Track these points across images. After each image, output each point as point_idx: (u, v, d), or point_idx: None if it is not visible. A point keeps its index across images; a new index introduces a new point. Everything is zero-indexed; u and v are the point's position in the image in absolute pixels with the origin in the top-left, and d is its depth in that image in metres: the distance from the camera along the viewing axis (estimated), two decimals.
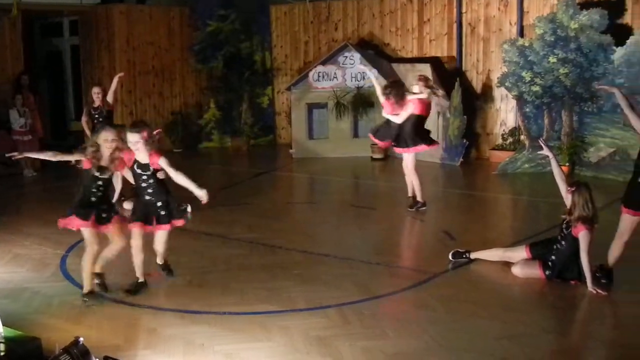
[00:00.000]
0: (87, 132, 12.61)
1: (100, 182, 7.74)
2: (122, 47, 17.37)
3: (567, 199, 7.94)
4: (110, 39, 17.30)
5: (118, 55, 17.28)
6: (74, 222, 7.72)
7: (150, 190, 7.82)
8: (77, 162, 7.88)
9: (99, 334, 6.75)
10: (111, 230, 7.86)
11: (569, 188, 7.95)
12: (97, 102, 12.35)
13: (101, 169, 7.66)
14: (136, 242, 7.86)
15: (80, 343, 5.58)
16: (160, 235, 8.04)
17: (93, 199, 7.74)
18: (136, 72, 17.67)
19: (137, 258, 7.95)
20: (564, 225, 8.05)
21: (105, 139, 7.60)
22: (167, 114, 18.32)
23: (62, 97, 19.93)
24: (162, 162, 7.71)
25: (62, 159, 7.98)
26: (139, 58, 17.75)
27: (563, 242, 8.02)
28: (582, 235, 7.74)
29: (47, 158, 8.02)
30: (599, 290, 7.68)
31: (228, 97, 18.68)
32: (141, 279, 8.02)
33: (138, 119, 8.11)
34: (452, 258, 8.84)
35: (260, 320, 7.09)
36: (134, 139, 7.60)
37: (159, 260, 8.38)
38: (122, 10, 17.40)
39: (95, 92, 12.40)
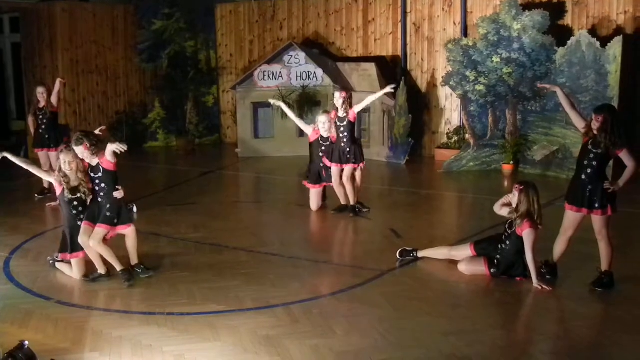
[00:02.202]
0: (32, 131, 12.48)
1: (75, 203, 8.20)
2: (65, 45, 17.10)
3: (515, 196, 8.04)
4: (53, 37, 17.01)
5: (61, 53, 17.00)
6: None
7: (102, 194, 8.17)
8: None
9: (45, 338, 6.66)
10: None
11: (516, 186, 8.06)
12: (43, 102, 12.20)
13: (73, 190, 8.15)
14: (84, 240, 8.08)
15: (26, 347, 5.50)
16: (97, 232, 8.10)
17: (79, 223, 8.21)
18: (79, 71, 17.42)
19: (90, 254, 8.18)
20: (507, 225, 8.16)
21: (64, 162, 8.08)
22: (111, 113, 18.11)
23: (3, 96, 19.58)
24: (107, 154, 8.06)
25: (37, 174, 8.55)
26: (83, 57, 17.49)
27: (507, 242, 8.14)
28: (527, 233, 7.86)
29: (23, 166, 8.38)
30: (544, 286, 7.80)
31: (173, 96, 18.54)
32: (101, 271, 8.29)
33: (78, 132, 8.37)
34: (400, 256, 8.90)
35: (209, 320, 7.06)
36: (79, 152, 8.03)
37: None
38: (65, 7, 17.13)
39: (40, 92, 12.25)
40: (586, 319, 7.19)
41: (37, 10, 17.08)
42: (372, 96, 11.61)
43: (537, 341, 6.67)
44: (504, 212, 8.26)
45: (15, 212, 11.55)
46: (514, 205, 8.02)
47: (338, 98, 11.16)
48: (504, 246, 8.17)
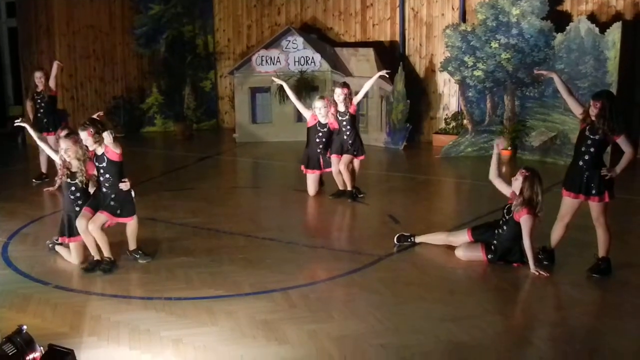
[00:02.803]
0: (30, 116, 12.46)
1: (73, 188, 8.17)
2: (61, 30, 17.01)
3: (517, 180, 8.02)
4: (50, 22, 16.92)
5: (58, 39, 16.92)
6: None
7: (107, 184, 8.16)
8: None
9: (43, 322, 6.68)
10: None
11: (522, 171, 8.04)
12: (40, 87, 12.21)
13: (71, 175, 8.12)
14: (81, 223, 8.05)
15: (24, 331, 5.49)
16: (99, 217, 8.08)
17: (77, 208, 8.17)
18: (77, 56, 17.34)
19: (86, 239, 8.12)
20: (505, 211, 8.17)
21: (62, 149, 8.07)
22: (108, 98, 18.02)
23: (0, 81, 19.49)
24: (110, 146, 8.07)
25: (47, 151, 8.58)
26: (80, 42, 17.39)
27: (505, 227, 8.14)
28: (524, 219, 7.87)
29: (35, 138, 8.62)
30: (541, 272, 7.82)
31: (170, 81, 18.49)
32: (97, 258, 8.20)
33: (88, 118, 8.45)
34: (397, 242, 8.91)
35: (206, 305, 7.08)
36: (83, 137, 8.01)
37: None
38: None
39: (38, 76, 12.26)
40: (583, 305, 7.21)
41: None
42: (367, 83, 11.58)
43: (534, 327, 6.71)
44: (497, 182, 8.28)
45: (12, 197, 11.55)
46: (517, 191, 8.01)
47: (339, 94, 11.15)
48: (501, 231, 8.17)
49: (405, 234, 9.00)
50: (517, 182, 8.01)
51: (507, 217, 8.10)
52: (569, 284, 7.73)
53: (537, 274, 7.82)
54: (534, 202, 7.92)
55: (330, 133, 11.32)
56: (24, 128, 8.96)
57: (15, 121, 8.92)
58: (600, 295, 7.56)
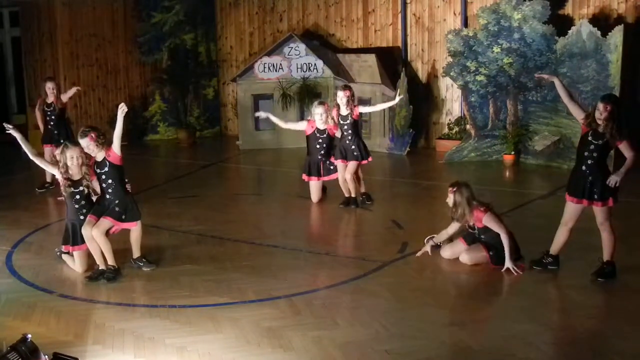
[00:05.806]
0: (41, 125, 12.40)
1: (77, 197, 8.17)
2: (64, 39, 17.08)
3: (449, 198, 8.29)
4: (53, 31, 16.99)
5: (61, 47, 16.99)
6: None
7: (110, 190, 8.16)
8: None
9: (48, 331, 6.69)
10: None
11: (451, 189, 8.26)
12: (51, 98, 12.19)
13: (75, 183, 8.12)
14: (86, 231, 8.03)
15: (29, 340, 5.50)
16: (103, 223, 8.08)
17: (81, 217, 8.16)
18: (79, 65, 17.39)
19: (91, 247, 8.11)
20: (468, 227, 8.43)
21: (71, 157, 8.06)
22: (111, 106, 18.01)
23: (4, 90, 19.53)
24: (114, 147, 8.17)
25: (41, 164, 8.56)
26: (82, 50, 17.46)
27: (482, 237, 8.29)
28: (486, 219, 8.01)
29: (29, 153, 8.33)
30: (516, 270, 7.90)
31: (173, 89, 18.52)
32: (102, 267, 8.15)
33: (84, 126, 8.45)
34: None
35: (211, 312, 7.08)
36: (85, 144, 8.04)
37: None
38: (64, 1, 17.08)
39: (50, 87, 12.22)
40: (588, 309, 7.21)
41: (36, 4, 17.07)
42: (381, 105, 11.64)
43: (539, 331, 6.68)
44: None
45: (16, 206, 11.56)
46: (452, 206, 8.30)
47: (342, 97, 11.13)
48: (483, 238, 8.27)
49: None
50: (449, 199, 8.39)
51: (475, 229, 8.27)
52: (573, 287, 7.72)
53: (512, 270, 7.92)
54: (473, 202, 8.23)
55: (331, 139, 11.29)
56: (27, 136, 8.91)
57: (7, 127, 8.54)
58: (605, 299, 7.55)
